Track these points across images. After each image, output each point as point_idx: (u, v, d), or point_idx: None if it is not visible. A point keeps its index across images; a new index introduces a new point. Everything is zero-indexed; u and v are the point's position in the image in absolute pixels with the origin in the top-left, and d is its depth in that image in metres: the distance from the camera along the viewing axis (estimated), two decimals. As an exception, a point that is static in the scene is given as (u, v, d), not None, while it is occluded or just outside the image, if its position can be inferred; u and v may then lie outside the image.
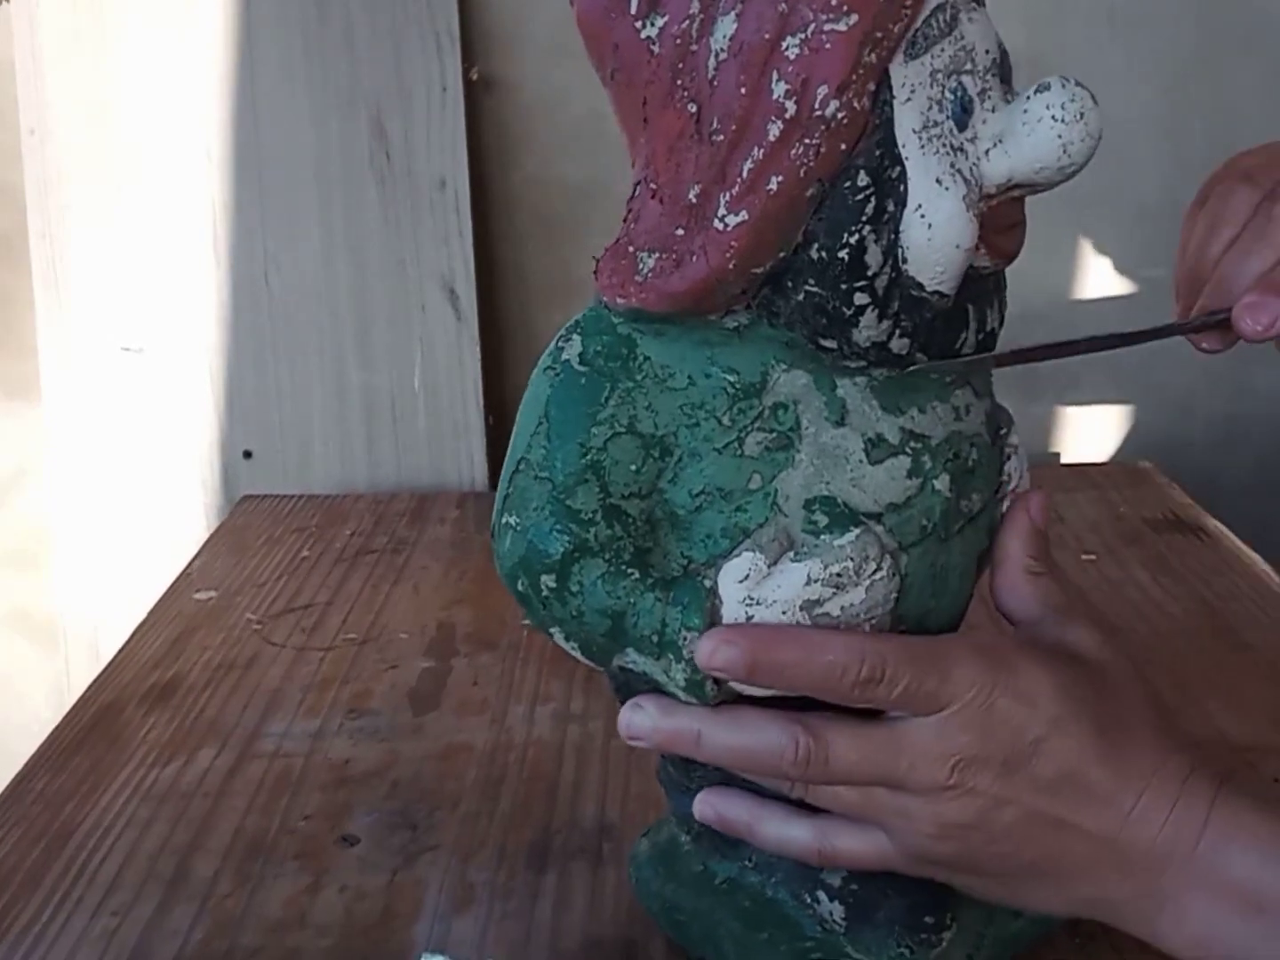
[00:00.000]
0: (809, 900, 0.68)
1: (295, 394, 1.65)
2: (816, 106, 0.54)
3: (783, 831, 0.65)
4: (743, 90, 0.55)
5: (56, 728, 1.05)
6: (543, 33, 1.67)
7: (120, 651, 1.18)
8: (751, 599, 0.60)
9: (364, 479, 1.65)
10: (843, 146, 0.55)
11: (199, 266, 1.64)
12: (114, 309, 1.64)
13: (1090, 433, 1.76)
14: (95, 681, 1.12)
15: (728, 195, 0.56)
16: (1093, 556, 1.29)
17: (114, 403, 1.65)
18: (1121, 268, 1.73)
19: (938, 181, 0.56)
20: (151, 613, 1.26)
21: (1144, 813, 0.61)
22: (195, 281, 1.64)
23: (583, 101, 1.66)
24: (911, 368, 0.61)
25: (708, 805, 0.67)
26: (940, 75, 0.57)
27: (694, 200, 0.57)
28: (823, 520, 0.60)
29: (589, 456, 0.60)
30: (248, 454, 1.66)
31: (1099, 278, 1.74)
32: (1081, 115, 0.56)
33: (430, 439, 1.65)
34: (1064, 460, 1.73)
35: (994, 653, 0.62)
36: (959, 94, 0.57)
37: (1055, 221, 1.49)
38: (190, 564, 1.38)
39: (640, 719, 0.63)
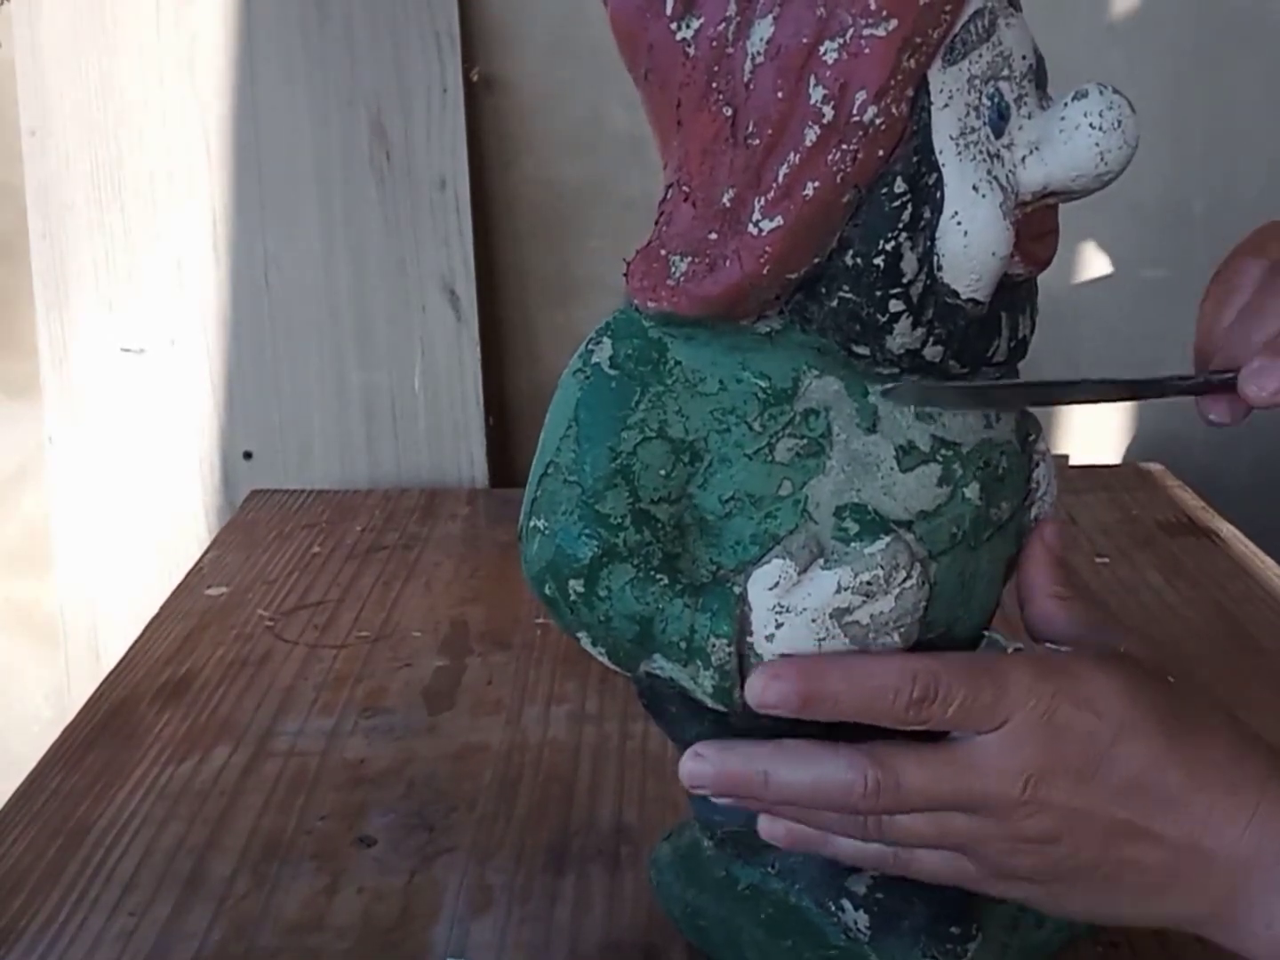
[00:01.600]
0: (833, 908, 0.68)
1: (295, 394, 1.65)
2: (854, 112, 0.54)
3: (859, 845, 0.64)
4: (779, 94, 0.55)
5: (69, 725, 1.04)
6: (543, 33, 1.67)
7: (132, 648, 1.18)
8: (781, 606, 0.59)
9: (364, 479, 1.65)
10: (880, 152, 0.55)
11: (199, 267, 1.63)
12: (114, 309, 1.64)
13: (1090, 433, 1.76)
14: (108, 678, 1.12)
15: (762, 200, 0.56)
16: (1105, 559, 1.29)
17: (114, 403, 1.65)
18: (1121, 268, 1.73)
19: (974, 188, 0.56)
20: (163, 609, 1.26)
21: (1225, 816, 0.60)
22: (195, 282, 1.64)
23: (583, 101, 1.66)
24: (889, 386, 0.61)
25: (777, 824, 0.65)
26: (978, 81, 0.57)
27: (728, 204, 0.57)
28: (853, 528, 0.60)
29: (618, 461, 0.60)
30: (248, 454, 1.66)
31: (1099, 278, 1.74)
32: (1119, 123, 0.56)
33: (430, 439, 1.65)
34: (1072, 462, 1.72)
35: (1049, 662, 0.61)
36: (996, 100, 0.57)
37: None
38: (201, 559, 1.38)
39: (701, 768, 0.62)
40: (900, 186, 0.56)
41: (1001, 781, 0.59)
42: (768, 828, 0.65)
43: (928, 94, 0.56)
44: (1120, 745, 0.60)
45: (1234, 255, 0.72)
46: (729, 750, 0.62)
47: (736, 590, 0.60)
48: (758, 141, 0.56)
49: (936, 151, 0.56)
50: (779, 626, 0.60)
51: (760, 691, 0.59)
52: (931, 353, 0.59)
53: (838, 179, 0.55)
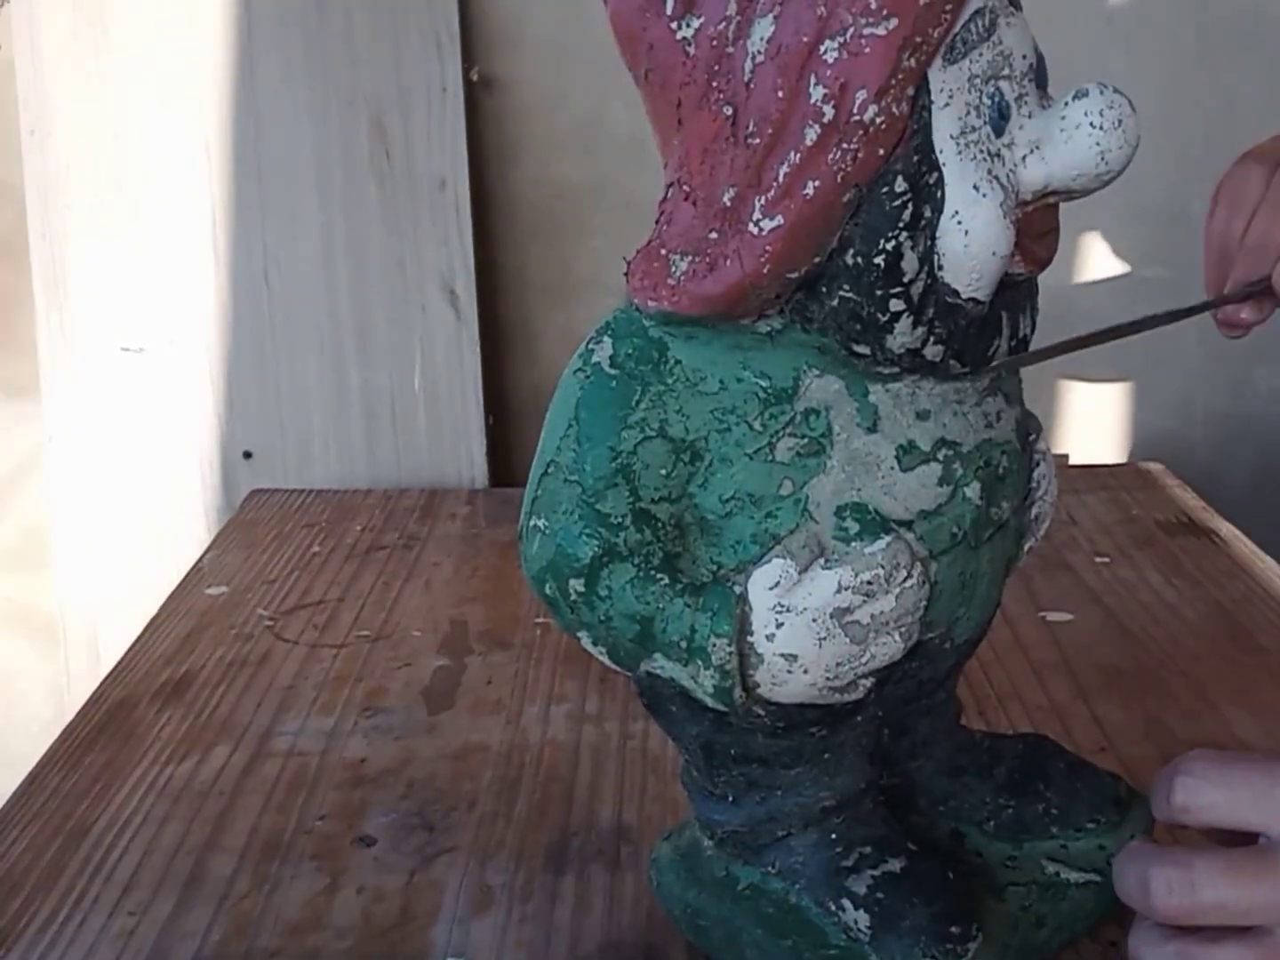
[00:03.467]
0: (833, 908, 0.68)
1: (295, 394, 1.65)
2: (855, 111, 0.54)
3: None
4: (780, 93, 0.55)
5: (69, 724, 1.04)
6: (543, 33, 1.67)
7: (132, 647, 1.18)
8: (781, 606, 0.59)
9: (364, 478, 1.65)
10: (880, 152, 0.55)
11: (199, 266, 1.64)
12: (114, 309, 1.64)
13: (1090, 433, 1.76)
14: (108, 677, 1.12)
15: (763, 199, 0.56)
16: (1106, 559, 1.29)
17: (114, 403, 1.65)
18: (1121, 268, 1.73)
19: (975, 188, 0.56)
20: (163, 608, 1.26)
21: None
22: (195, 281, 1.64)
23: (583, 101, 1.66)
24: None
25: None
26: (978, 81, 0.57)
27: (728, 204, 0.57)
28: (854, 527, 0.60)
29: (619, 460, 0.60)
30: (248, 454, 1.66)
31: (1098, 277, 1.74)
32: (1120, 123, 0.56)
33: (430, 439, 1.65)
34: (1072, 462, 1.72)
35: None
36: (996, 99, 0.57)
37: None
38: (201, 559, 1.38)
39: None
40: (901, 186, 0.56)
41: None
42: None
43: (928, 93, 0.55)
44: None
45: (1236, 165, 0.71)
46: None
47: (737, 590, 0.60)
48: (758, 141, 0.56)
49: (937, 151, 0.56)
50: (779, 626, 0.60)
51: None
52: (932, 352, 0.59)
53: (838, 178, 0.55)
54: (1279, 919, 0.60)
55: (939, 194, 0.56)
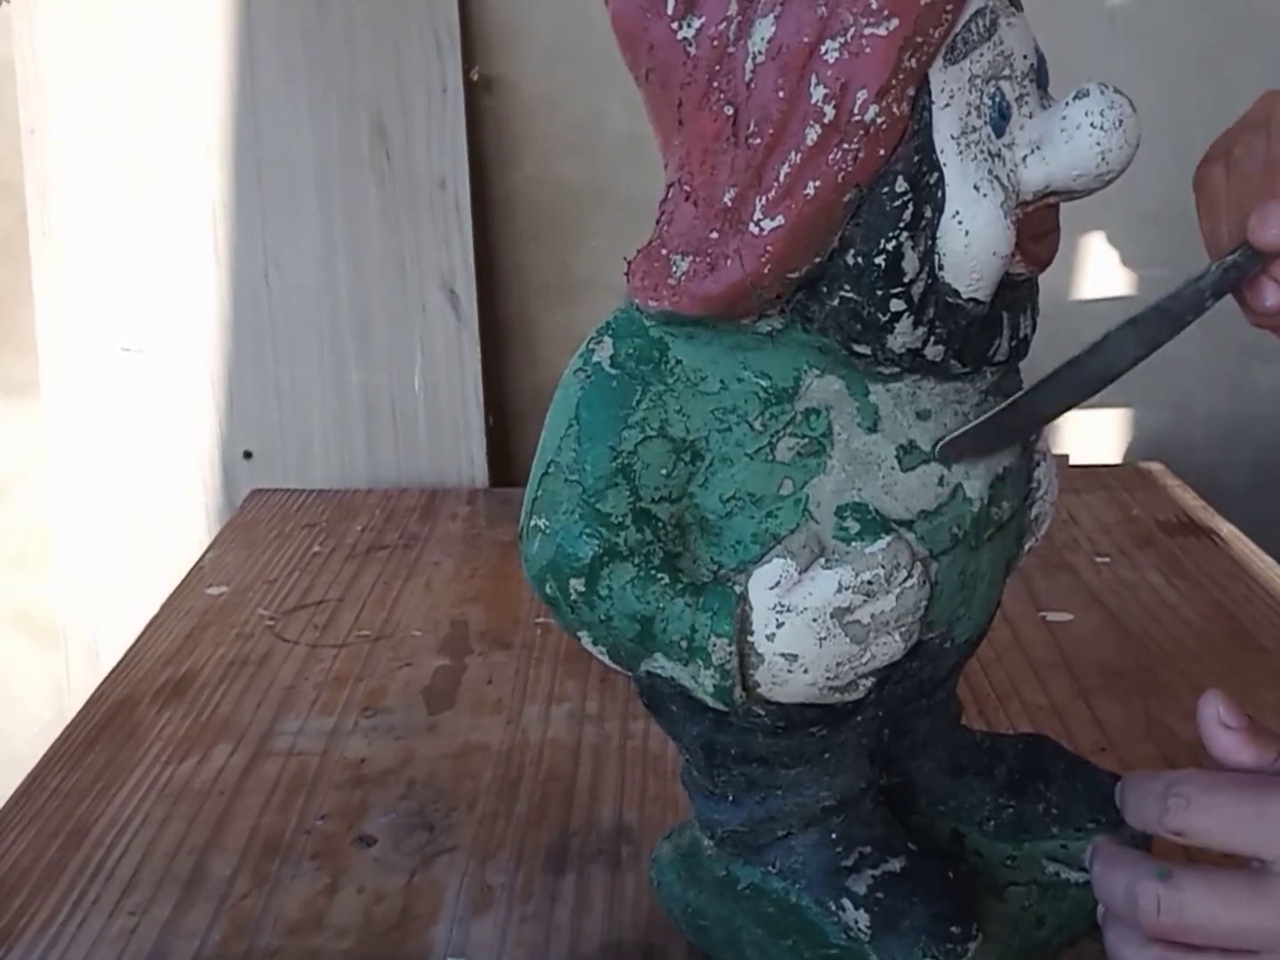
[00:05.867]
0: (833, 908, 0.68)
1: (295, 394, 1.65)
2: (855, 111, 0.54)
3: None
4: (780, 93, 0.55)
5: (70, 724, 1.04)
6: (543, 33, 1.67)
7: (132, 647, 1.18)
8: (782, 605, 0.59)
9: (364, 478, 1.65)
10: (881, 152, 0.55)
11: (199, 266, 1.64)
12: (114, 309, 1.64)
13: (1090, 432, 1.76)
14: (108, 677, 1.12)
15: (763, 199, 0.56)
16: (1106, 559, 1.29)
17: (114, 403, 1.65)
18: (1121, 268, 1.73)
19: (975, 188, 0.56)
20: (163, 608, 1.26)
21: None
22: (195, 281, 1.64)
23: (583, 101, 1.66)
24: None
25: None
26: (979, 81, 0.56)
27: (729, 203, 0.57)
28: (854, 527, 0.60)
29: (619, 460, 0.60)
30: (248, 454, 1.66)
31: (1099, 278, 1.74)
32: (1120, 123, 0.56)
33: (430, 439, 1.65)
34: (1072, 462, 1.72)
35: None
36: (997, 100, 0.57)
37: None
38: (201, 559, 1.38)
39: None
40: (901, 186, 0.56)
41: None
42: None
43: (929, 93, 0.55)
44: None
45: (1199, 169, 0.70)
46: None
47: (737, 589, 0.60)
48: (759, 141, 0.56)
49: (938, 151, 0.56)
50: (780, 626, 0.60)
51: None
52: (933, 352, 0.59)
53: (839, 178, 0.55)
54: (1266, 945, 0.60)
55: (939, 194, 0.56)
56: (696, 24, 0.57)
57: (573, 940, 0.78)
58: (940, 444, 0.61)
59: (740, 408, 0.60)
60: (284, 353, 1.64)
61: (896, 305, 0.57)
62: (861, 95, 0.54)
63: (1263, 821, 0.60)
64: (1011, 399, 0.62)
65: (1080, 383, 0.63)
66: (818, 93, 0.54)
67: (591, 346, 0.61)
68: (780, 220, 0.56)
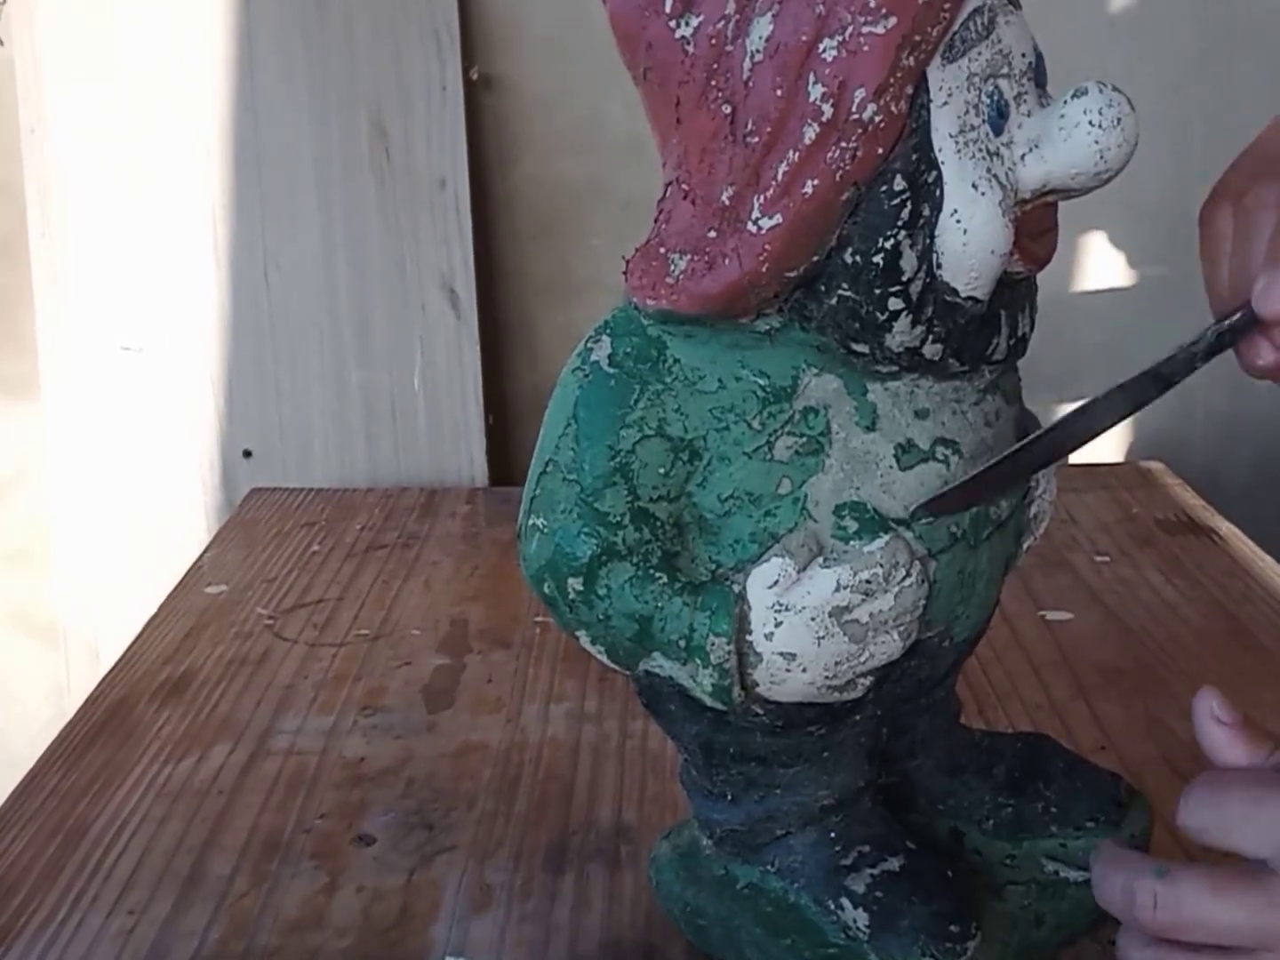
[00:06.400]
0: (832, 907, 0.68)
1: (295, 394, 1.65)
2: (853, 109, 0.54)
3: None
4: (778, 92, 0.55)
5: (69, 723, 1.04)
6: (543, 33, 1.67)
7: (131, 646, 1.18)
8: (780, 605, 0.59)
9: (364, 478, 1.65)
10: (879, 150, 0.55)
11: (199, 266, 1.64)
12: (114, 309, 1.64)
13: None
14: (107, 676, 1.12)
15: (761, 198, 0.56)
16: (1106, 558, 1.29)
17: (114, 402, 1.65)
18: (1121, 267, 1.73)
19: (974, 186, 0.56)
20: (162, 607, 1.26)
21: None
22: (195, 281, 1.64)
23: (583, 101, 1.66)
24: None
25: None
26: (977, 79, 0.56)
27: (727, 202, 0.57)
28: (852, 526, 0.60)
29: (617, 459, 0.59)
30: (248, 453, 1.66)
31: (1099, 277, 1.74)
32: (1119, 121, 0.56)
33: (430, 439, 1.65)
34: (1072, 461, 1.72)
35: None
36: (995, 98, 0.57)
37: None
38: (200, 558, 1.38)
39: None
40: (899, 184, 0.56)
41: None
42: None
43: (927, 92, 0.55)
44: None
45: (1205, 207, 0.70)
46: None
47: (735, 589, 0.60)
48: (757, 139, 0.56)
49: (936, 149, 0.56)
50: (778, 625, 0.60)
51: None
52: (931, 350, 0.59)
53: (837, 177, 0.55)
54: (1262, 942, 0.60)
55: (938, 192, 0.56)
56: (694, 22, 0.57)
57: (572, 939, 0.78)
58: (918, 505, 0.61)
59: (738, 406, 0.60)
60: (284, 352, 1.64)
61: (894, 304, 0.57)
62: (859, 94, 0.54)
63: (1257, 820, 0.60)
64: (994, 460, 0.62)
65: (1064, 441, 0.65)
66: (816, 91, 0.54)
67: (589, 345, 0.61)
68: (778, 219, 0.56)
